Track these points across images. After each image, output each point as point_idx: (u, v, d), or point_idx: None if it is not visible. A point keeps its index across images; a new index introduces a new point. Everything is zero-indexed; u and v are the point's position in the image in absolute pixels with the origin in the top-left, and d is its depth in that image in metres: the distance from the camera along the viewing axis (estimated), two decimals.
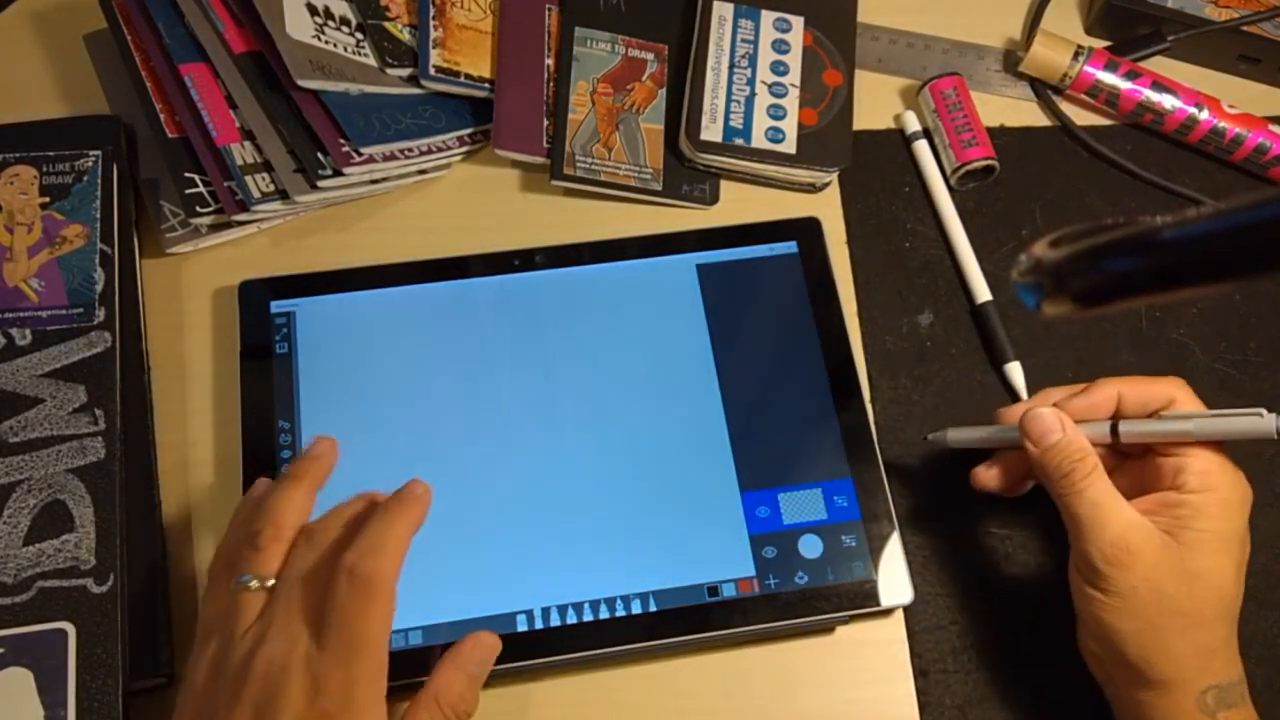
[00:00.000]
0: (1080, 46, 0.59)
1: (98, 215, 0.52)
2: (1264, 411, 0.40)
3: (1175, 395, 0.43)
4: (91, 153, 0.53)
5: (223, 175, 0.52)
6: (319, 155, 0.53)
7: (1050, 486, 0.44)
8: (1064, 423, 0.44)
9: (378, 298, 0.53)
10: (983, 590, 0.50)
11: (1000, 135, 0.59)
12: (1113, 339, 0.55)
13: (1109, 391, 0.44)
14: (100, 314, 0.50)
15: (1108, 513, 0.42)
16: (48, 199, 0.52)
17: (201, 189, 0.53)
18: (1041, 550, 0.51)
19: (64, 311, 0.50)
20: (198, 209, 0.53)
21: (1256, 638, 0.49)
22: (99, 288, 0.50)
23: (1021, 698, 0.48)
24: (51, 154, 0.53)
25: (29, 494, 0.46)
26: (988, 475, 0.49)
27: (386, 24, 0.57)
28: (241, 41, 0.54)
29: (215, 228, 0.54)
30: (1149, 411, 0.44)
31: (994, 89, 0.62)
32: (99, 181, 0.53)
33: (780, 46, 0.59)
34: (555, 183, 0.56)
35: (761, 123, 0.57)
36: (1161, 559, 0.41)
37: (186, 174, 0.53)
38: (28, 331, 0.49)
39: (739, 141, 0.56)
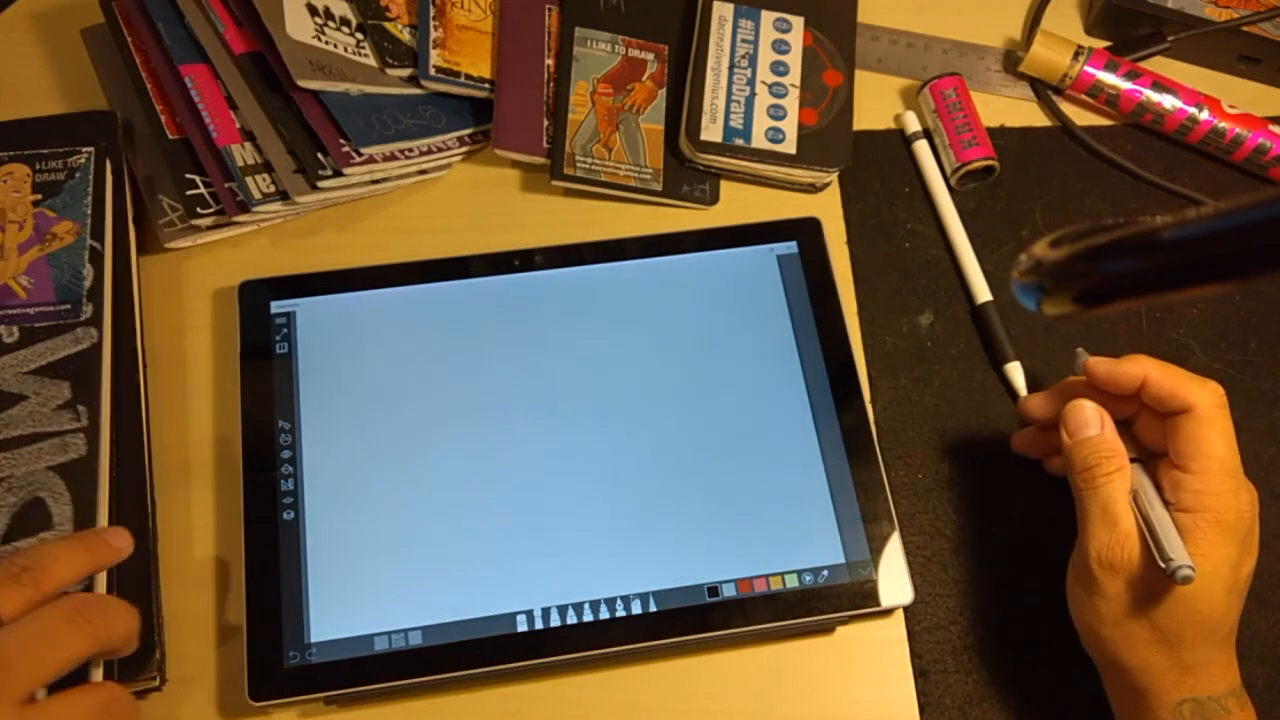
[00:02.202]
0: (1080, 46, 0.59)
1: (88, 211, 0.52)
2: (1191, 569, 0.39)
3: (1195, 405, 0.42)
4: (84, 149, 0.53)
5: (223, 176, 0.52)
6: (319, 156, 0.53)
7: (1071, 477, 0.44)
8: (1104, 421, 0.44)
9: (378, 298, 0.53)
10: (983, 590, 0.50)
11: (1000, 135, 0.59)
12: (1113, 339, 0.55)
13: (1137, 371, 0.43)
14: (87, 310, 0.50)
15: (1114, 516, 0.42)
16: (40, 196, 0.52)
17: (202, 190, 0.53)
18: (1041, 551, 0.51)
19: (51, 308, 0.50)
20: (198, 210, 0.53)
21: (1257, 638, 0.49)
22: (87, 284, 0.50)
23: (1021, 698, 0.48)
24: (45, 151, 0.53)
25: (9, 492, 0.46)
26: (1040, 404, 0.48)
27: (386, 24, 0.57)
28: (242, 42, 0.54)
29: (215, 228, 0.54)
30: (1168, 409, 0.43)
31: (994, 89, 0.62)
32: (90, 178, 0.52)
33: (780, 47, 0.59)
34: (555, 183, 0.56)
35: (761, 123, 0.57)
36: (1149, 575, 0.41)
37: (187, 175, 0.53)
38: (15, 329, 0.49)
39: (739, 142, 0.56)
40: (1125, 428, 0.45)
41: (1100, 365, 0.44)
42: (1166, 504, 0.42)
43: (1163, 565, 0.39)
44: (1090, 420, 0.44)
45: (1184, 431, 0.42)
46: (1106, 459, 0.43)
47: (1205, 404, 0.42)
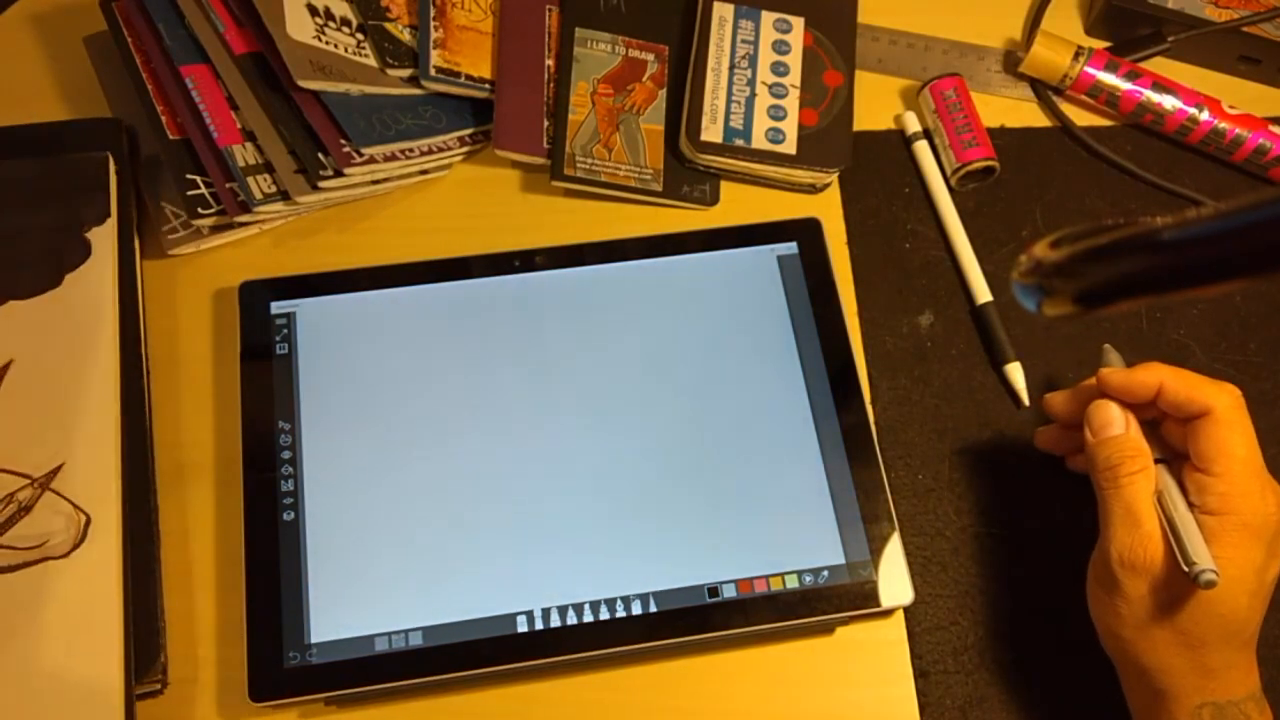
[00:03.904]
0: (1080, 47, 0.59)
1: None
2: (1215, 574, 0.39)
3: (1213, 407, 0.41)
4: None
5: (225, 176, 0.52)
6: (320, 156, 0.53)
7: (1094, 477, 0.44)
8: (1128, 421, 0.44)
9: (378, 299, 0.53)
10: (983, 590, 0.50)
11: (1000, 136, 0.59)
12: (1113, 339, 0.55)
13: (1152, 379, 0.43)
14: None
15: (1137, 516, 0.41)
16: None
17: (203, 190, 0.53)
18: (1042, 551, 0.51)
19: None
20: (200, 210, 0.53)
21: (1257, 637, 0.49)
22: None
23: (1022, 698, 0.48)
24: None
25: None
26: (1063, 403, 0.48)
27: (387, 24, 0.57)
28: (242, 42, 0.54)
29: (217, 229, 0.54)
30: (1186, 414, 0.42)
31: (994, 90, 0.62)
32: None
33: (780, 47, 0.59)
34: (555, 183, 0.56)
35: (762, 123, 0.57)
36: (1173, 577, 0.40)
37: (188, 175, 0.53)
38: None
39: (739, 142, 0.56)
40: (1153, 429, 0.45)
41: (1115, 375, 0.44)
42: (1192, 507, 0.41)
43: (1186, 569, 0.39)
44: (1114, 419, 0.44)
45: (1204, 434, 0.41)
46: (1130, 458, 0.42)
47: (1223, 406, 0.41)
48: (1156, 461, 0.43)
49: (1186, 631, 0.40)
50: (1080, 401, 0.47)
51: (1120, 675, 0.45)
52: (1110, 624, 0.43)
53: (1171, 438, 0.44)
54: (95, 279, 0.51)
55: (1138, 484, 0.42)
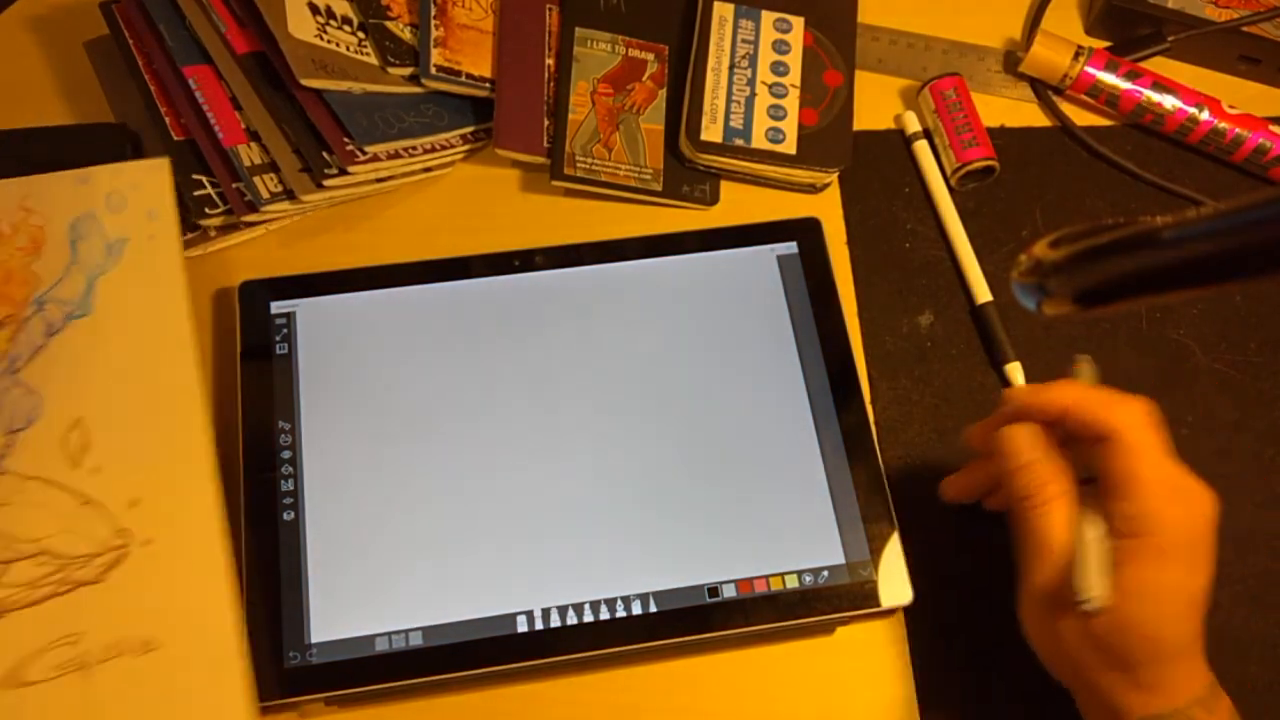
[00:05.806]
0: (1080, 47, 0.59)
1: None
2: (1098, 603, 0.38)
3: (1116, 429, 0.39)
4: None
5: (231, 177, 0.53)
6: (324, 154, 0.53)
7: (1011, 506, 0.43)
8: (1037, 447, 0.42)
9: (378, 298, 0.53)
10: (983, 590, 0.50)
11: (1000, 136, 0.59)
12: (1113, 339, 0.55)
13: (1059, 399, 0.41)
14: None
15: (1047, 547, 0.40)
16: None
17: (210, 191, 0.53)
18: None
19: None
20: (206, 211, 0.53)
21: (1256, 638, 0.49)
22: None
23: (1022, 698, 0.48)
24: None
25: None
26: (956, 486, 0.49)
27: (388, 23, 0.57)
28: (244, 42, 0.54)
29: (224, 229, 0.54)
30: (1090, 436, 0.40)
31: (994, 89, 0.62)
32: None
33: (780, 47, 0.59)
34: (555, 183, 0.56)
35: (761, 123, 0.57)
36: None
37: (194, 176, 0.53)
38: None
39: (739, 142, 0.56)
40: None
41: (1017, 396, 0.43)
42: (1110, 530, 0.40)
43: (1074, 598, 0.38)
44: (1021, 448, 0.42)
45: (1108, 460, 0.40)
46: (1040, 488, 0.41)
47: (1127, 428, 0.39)
48: (1085, 482, 0.41)
49: (1113, 652, 0.39)
50: (996, 429, 0.45)
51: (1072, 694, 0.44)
52: (1040, 650, 0.42)
53: (1085, 458, 0.42)
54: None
55: (1049, 514, 0.40)
